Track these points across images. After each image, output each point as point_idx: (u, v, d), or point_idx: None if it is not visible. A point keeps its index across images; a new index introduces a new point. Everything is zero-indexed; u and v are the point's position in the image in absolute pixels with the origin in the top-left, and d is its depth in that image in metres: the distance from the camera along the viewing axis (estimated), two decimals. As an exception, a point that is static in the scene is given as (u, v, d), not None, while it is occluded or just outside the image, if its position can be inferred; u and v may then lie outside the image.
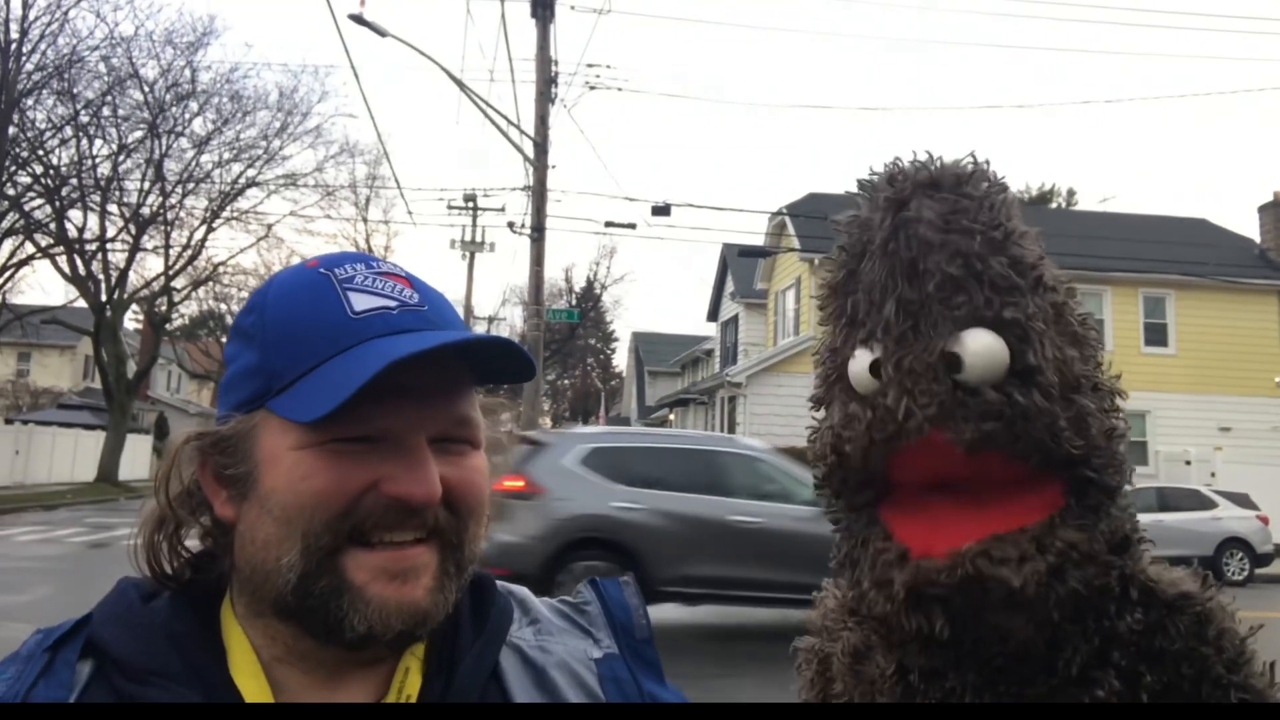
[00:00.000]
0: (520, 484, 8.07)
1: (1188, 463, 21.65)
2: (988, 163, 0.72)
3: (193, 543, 0.80)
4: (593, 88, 19.89)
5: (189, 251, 30.40)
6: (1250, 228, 27.21)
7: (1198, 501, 16.91)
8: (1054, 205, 47.33)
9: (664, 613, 8.76)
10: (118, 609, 0.75)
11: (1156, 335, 23.80)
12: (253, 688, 0.72)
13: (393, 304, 0.76)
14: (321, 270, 0.77)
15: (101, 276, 28.83)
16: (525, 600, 0.88)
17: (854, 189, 0.74)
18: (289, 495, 0.70)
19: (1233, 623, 0.71)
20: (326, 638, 0.72)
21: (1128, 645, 0.67)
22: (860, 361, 0.69)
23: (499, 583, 0.85)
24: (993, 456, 0.64)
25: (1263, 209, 26.62)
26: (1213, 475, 20.58)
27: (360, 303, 0.75)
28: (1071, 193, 51.15)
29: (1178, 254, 23.89)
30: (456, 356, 0.75)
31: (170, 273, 30.16)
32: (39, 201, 27.10)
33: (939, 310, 0.65)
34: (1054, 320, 0.67)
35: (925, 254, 0.66)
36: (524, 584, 0.91)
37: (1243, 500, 17.01)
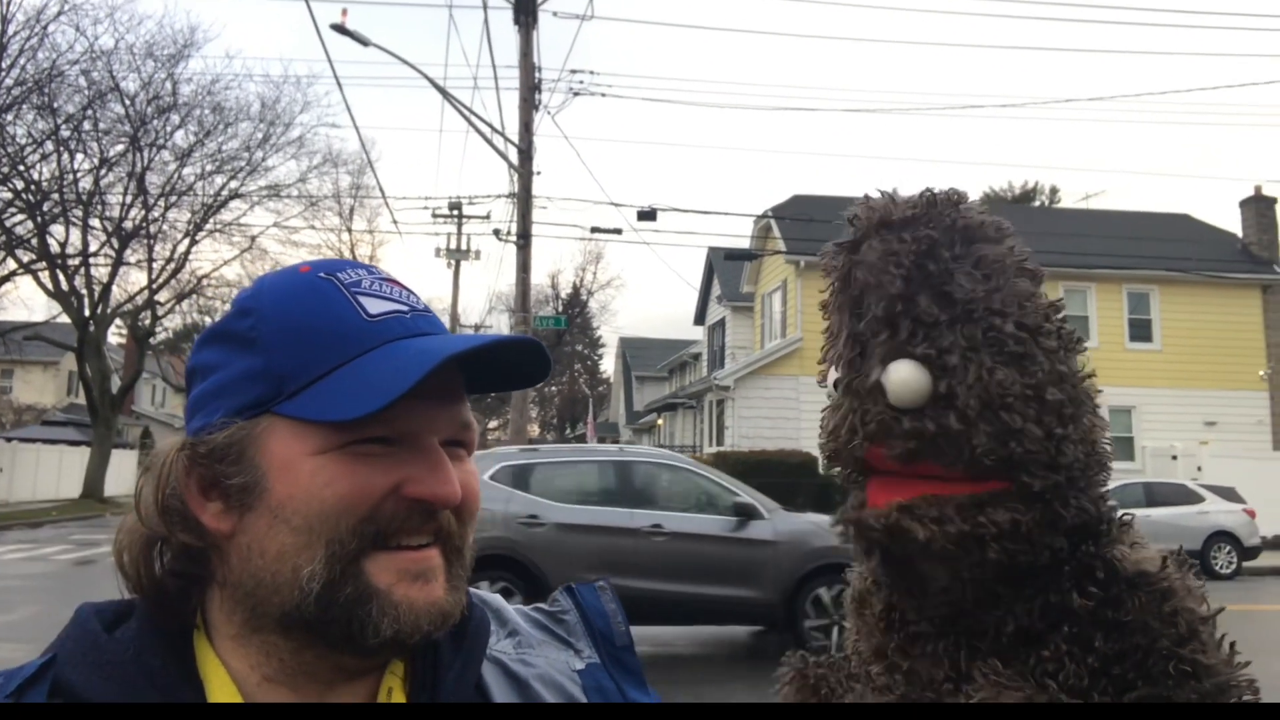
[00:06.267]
0: None
1: (1174, 457, 21.78)
2: (953, 191, 0.79)
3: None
4: (577, 94, 19.90)
5: (172, 265, 30.27)
6: (1232, 222, 27.47)
7: (1185, 496, 17.01)
8: (1037, 203, 47.62)
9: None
10: (83, 645, 0.70)
11: (1141, 331, 23.95)
12: None
13: (404, 308, 0.75)
14: (322, 275, 0.75)
15: (84, 291, 28.67)
16: (501, 610, 0.87)
17: (839, 193, 0.77)
18: (311, 503, 0.68)
19: (1194, 603, 0.74)
20: (346, 645, 0.70)
21: (1079, 617, 0.74)
22: (831, 377, 0.80)
23: (471, 590, 0.84)
24: (928, 463, 0.74)
25: (1244, 203, 26.84)
26: (1199, 469, 20.68)
27: (373, 306, 0.74)
28: (1055, 190, 51.52)
29: (1161, 250, 24.04)
30: (493, 356, 0.75)
31: (154, 286, 30.01)
32: (20, 217, 26.96)
33: (872, 343, 0.75)
34: (986, 345, 0.74)
35: (866, 293, 0.76)
36: None
37: (1229, 494, 17.12)
